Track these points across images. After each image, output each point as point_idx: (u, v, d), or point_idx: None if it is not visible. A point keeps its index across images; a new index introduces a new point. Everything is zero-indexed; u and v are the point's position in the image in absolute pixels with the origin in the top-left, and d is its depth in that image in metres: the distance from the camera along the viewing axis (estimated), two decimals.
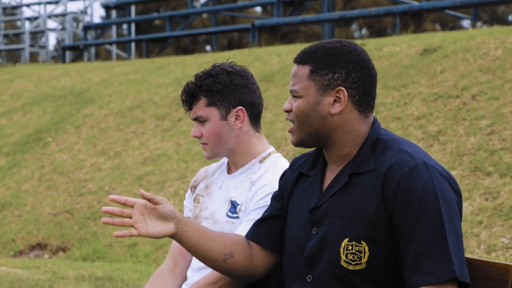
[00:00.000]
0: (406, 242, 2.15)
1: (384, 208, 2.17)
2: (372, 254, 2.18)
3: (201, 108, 2.81)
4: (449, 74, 8.37)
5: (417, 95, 8.20)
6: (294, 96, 2.32)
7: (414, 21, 12.45)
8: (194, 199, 2.98)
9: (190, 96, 2.82)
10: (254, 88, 2.84)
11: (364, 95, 2.28)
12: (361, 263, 2.19)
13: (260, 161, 2.83)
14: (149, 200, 2.28)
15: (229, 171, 2.91)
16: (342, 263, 2.21)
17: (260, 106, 2.86)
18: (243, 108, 2.81)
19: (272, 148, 2.88)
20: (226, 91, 2.79)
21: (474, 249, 5.56)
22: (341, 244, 2.21)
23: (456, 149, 6.89)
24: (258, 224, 2.48)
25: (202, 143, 2.86)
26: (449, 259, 2.11)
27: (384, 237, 2.18)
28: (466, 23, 26.39)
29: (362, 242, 2.18)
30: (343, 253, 2.21)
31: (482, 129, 7.02)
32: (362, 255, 2.19)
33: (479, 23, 15.70)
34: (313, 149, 2.44)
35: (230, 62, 2.87)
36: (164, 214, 2.30)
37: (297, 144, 2.33)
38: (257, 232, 2.47)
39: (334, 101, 2.27)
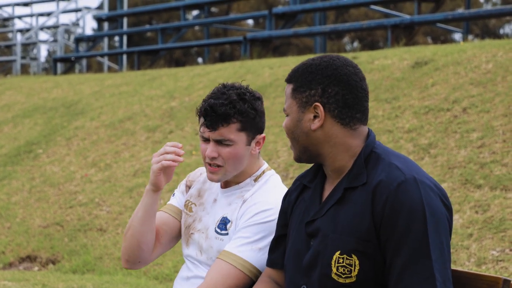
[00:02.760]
0: (392, 258, 2.17)
1: (373, 223, 2.19)
2: (362, 268, 2.20)
3: (232, 132, 2.74)
4: (440, 87, 8.39)
5: (408, 108, 8.22)
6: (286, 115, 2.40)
7: (405, 34, 12.50)
8: (185, 205, 2.96)
9: (222, 119, 2.72)
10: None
11: (344, 108, 2.30)
12: (351, 277, 2.21)
13: (255, 180, 2.84)
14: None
15: (223, 185, 2.89)
16: (333, 275, 2.23)
17: None
18: (264, 136, 2.83)
19: (265, 165, 2.89)
20: (257, 118, 2.78)
21: (464, 262, 5.56)
22: (332, 257, 2.23)
23: (447, 161, 6.90)
24: (270, 251, 2.55)
25: (215, 165, 2.78)
26: (431, 275, 2.12)
27: (374, 252, 2.20)
28: (457, 36, 26.51)
29: (353, 256, 2.21)
30: (334, 266, 2.23)
31: (472, 142, 7.04)
32: (353, 268, 2.21)
33: (470, 37, 15.75)
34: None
35: (243, 84, 2.83)
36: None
37: (296, 160, 2.40)
38: (271, 258, 2.54)
39: (314, 117, 2.31)
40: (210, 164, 2.79)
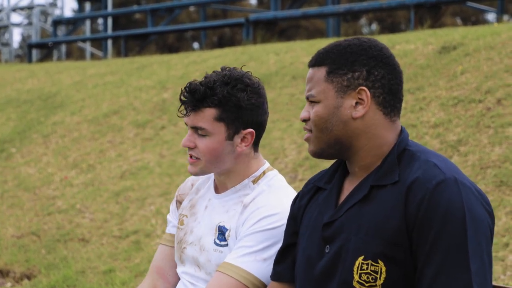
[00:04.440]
0: (424, 264, 2.17)
1: (405, 225, 2.20)
2: (389, 276, 2.20)
3: (208, 120, 2.77)
4: (471, 75, 8.39)
5: (435, 100, 8.22)
6: (311, 102, 2.36)
7: (431, 14, 12.49)
8: (179, 219, 2.97)
9: (197, 100, 2.76)
10: (266, 108, 2.84)
11: (389, 95, 2.32)
12: (375, 285, 2.21)
13: (253, 181, 2.84)
14: None
15: (217, 190, 2.91)
16: (355, 283, 2.23)
17: (265, 127, 2.88)
18: (254, 132, 2.81)
19: (266, 165, 2.89)
20: (242, 110, 2.77)
21: (499, 275, 5.56)
22: (355, 263, 2.23)
23: (479, 161, 6.90)
24: (276, 262, 2.54)
25: (193, 157, 2.82)
26: (469, 287, 2.12)
27: (405, 259, 2.20)
28: (490, 16, 26.49)
29: (379, 262, 2.21)
30: (357, 273, 2.23)
31: (508, 138, 7.04)
32: (378, 276, 2.21)
33: (505, 17, 15.74)
34: (329, 165, 2.47)
35: (245, 71, 2.84)
36: None
37: (316, 154, 2.37)
38: (276, 271, 2.54)
39: (356, 103, 2.31)
40: (189, 155, 2.83)
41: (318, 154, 2.37)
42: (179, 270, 2.93)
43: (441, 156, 2.30)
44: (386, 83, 2.31)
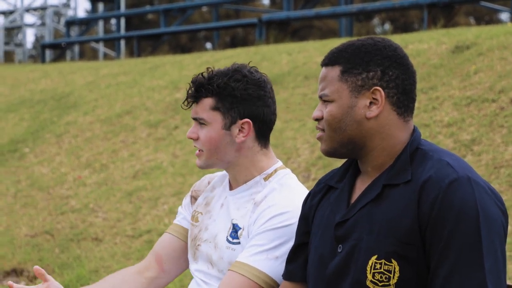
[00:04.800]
0: (437, 263, 2.17)
1: (418, 224, 2.19)
2: (403, 276, 2.20)
3: (205, 109, 2.82)
4: (485, 74, 8.38)
5: (448, 99, 8.21)
6: (324, 101, 2.36)
7: (444, 14, 12.46)
8: (192, 216, 2.98)
9: (196, 90, 2.82)
10: (269, 102, 2.85)
11: (403, 95, 2.32)
12: (389, 285, 2.21)
13: (265, 179, 2.84)
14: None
15: (231, 187, 2.92)
16: (368, 283, 2.23)
17: (271, 123, 2.88)
18: (251, 122, 2.82)
19: (279, 163, 2.89)
20: (237, 99, 2.80)
21: None
22: (368, 262, 2.23)
23: (493, 160, 6.89)
24: (288, 261, 2.55)
25: (197, 149, 2.87)
26: (483, 285, 2.12)
27: (418, 258, 2.20)
28: (504, 16, 26.40)
29: (393, 261, 2.21)
30: (370, 272, 2.23)
31: None
32: (391, 275, 2.21)
33: None
34: (341, 164, 2.47)
35: (252, 67, 2.88)
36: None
37: (329, 153, 2.37)
38: (288, 270, 2.54)
39: (370, 103, 2.31)
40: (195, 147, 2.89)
41: (331, 153, 2.37)
42: (192, 267, 2.94)
43: (454, 155, 2.30)
44: (400, 83, 2.31)
